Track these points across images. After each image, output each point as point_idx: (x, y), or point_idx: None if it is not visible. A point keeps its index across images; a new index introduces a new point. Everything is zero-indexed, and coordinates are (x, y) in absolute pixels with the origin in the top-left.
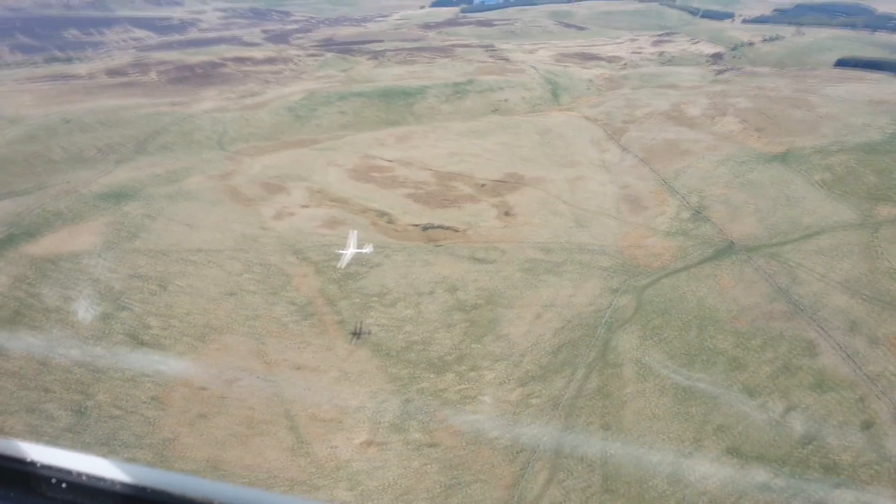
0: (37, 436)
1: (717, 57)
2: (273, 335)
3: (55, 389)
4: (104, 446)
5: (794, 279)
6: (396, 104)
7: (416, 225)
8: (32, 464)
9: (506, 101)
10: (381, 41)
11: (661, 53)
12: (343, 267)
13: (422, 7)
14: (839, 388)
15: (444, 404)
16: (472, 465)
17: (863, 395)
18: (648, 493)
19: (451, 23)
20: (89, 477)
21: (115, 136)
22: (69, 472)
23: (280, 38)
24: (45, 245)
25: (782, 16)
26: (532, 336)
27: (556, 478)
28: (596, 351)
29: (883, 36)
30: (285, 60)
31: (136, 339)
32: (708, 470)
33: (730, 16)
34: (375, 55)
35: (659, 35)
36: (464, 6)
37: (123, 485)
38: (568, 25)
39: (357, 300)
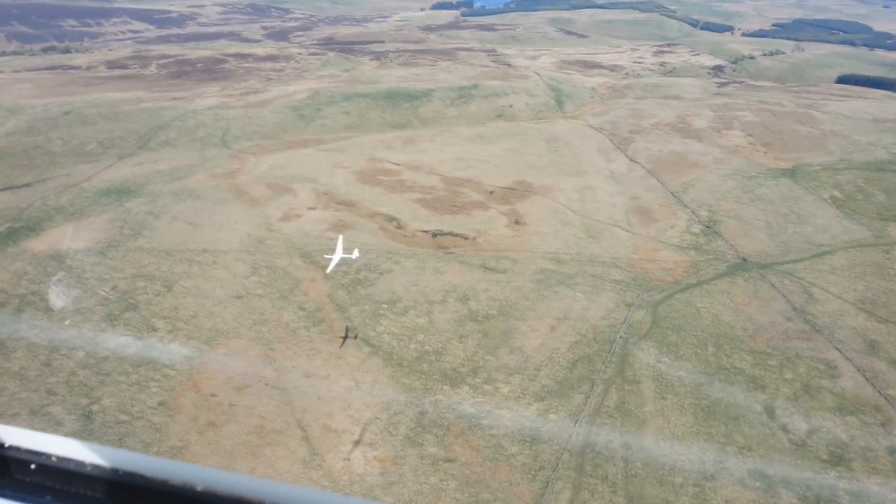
0: None
1: (718, 69)
2: (282, 341)
3: (59, 392)
4: None
5: (810, 298)
6: (401, 107)
7: (426, 231)
8: (3, 445)
9: (510, 106)
10: (382, 42)
11: (663, 64)
12: (329, 272)
13: (422, 9)
14: (861, 411)
15: (459, 418)
16: (490, 482)
17: (886, 419)
18: None
19: (452, 26)
20: (62, 459)
21: (117, 130)
22: (41, 455)
23: (280, 35)
24: (46, 240)
25: (781, 30)
26: (547, 349)
27: (579, 497)
28: (613, 367)
29: (882, 54)
30: (287, 58)
31: (142, 342)
32: (732, 493)
33: (729, 29)
34: (378, 56)
35: (659, 45)
36: (464, 9)
37: (97, 467)
38: (569, 33)
39: (367, 307)
